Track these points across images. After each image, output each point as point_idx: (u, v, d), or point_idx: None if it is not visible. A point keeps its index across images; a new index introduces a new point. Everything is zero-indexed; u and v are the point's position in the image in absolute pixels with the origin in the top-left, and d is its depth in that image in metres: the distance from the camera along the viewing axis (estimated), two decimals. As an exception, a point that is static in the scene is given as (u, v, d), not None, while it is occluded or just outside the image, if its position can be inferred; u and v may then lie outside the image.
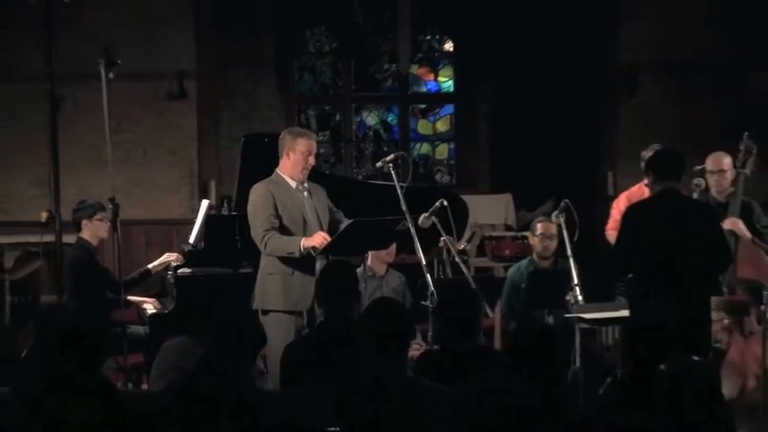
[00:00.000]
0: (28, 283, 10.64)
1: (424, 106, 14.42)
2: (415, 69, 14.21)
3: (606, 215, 8.48)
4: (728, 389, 6.64)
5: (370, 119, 14.36)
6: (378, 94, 14.34)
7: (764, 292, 6.90)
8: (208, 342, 5.30)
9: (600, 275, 7.28)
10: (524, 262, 8.21)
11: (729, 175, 7.57)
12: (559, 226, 7.50)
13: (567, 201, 7.47)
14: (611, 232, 8.23)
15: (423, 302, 6.54)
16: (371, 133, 14.38)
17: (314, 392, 4.89)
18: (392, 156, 7.14)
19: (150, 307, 7.85)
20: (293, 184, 6.80)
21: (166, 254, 8.03)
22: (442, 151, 14.35)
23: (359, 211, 6.91)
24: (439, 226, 7.07)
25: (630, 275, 6.56)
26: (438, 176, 14.30)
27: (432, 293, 6.35)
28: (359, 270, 7.07)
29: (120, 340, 7.27)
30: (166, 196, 11.83)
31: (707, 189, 7.63)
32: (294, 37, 13.80)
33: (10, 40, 11.25)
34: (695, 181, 7.56)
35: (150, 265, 7.96)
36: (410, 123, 14.26)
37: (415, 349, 6.74)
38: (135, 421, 4.21)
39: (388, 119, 14.33)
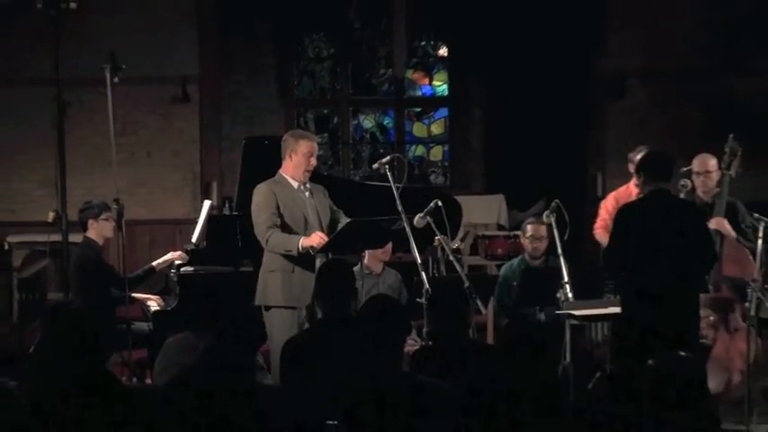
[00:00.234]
0: (35, 280, 10.66)
1: (419, 110, 14.42)
2: (410, 74, 14.22)
3: (595, 215, 8.47)
4: (714, 383, 6.64)
5: (367, 122, 14.36)
6: (374, 97, 14.34)
7: (749, 290, 6.90)
8: (209, 338, 5.29)
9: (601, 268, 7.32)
10: (516, 260, 8.20)
11: (715, 177, 7.56)
12: (550, 225, 7.50)
13: (557, 201, 7.48)
14: (599, 231, 8.24)
15: (418, 299, 6.54)
16: (368, 136, 14.38)
17: (313, 386, 4.88)
18: (388, 157, 7.14)
19: (154, 304, 7.84)
20: (295, 184, 6.80)
21: (170, 253, 8.02)
22: (437, 153, 14.35)
23: (356, 212, 6.91)
24: (433, 225, 7.06)
25: (623, 272, 6.54)
26: (432, 178, 14.30)
27: (426, 291, 6.35)
28: (356, 268, 7.06)
29: (124, 336, 7.28)
30: (170, 197, 11.83)
31: (693, 190, 7.62)
32: (293, 43, 13.81)
33: (19, 47, 11.25)
34: (682, 182, 7.54)
35: (154, 263, 7.95)
36: (405, 126, 14.26)
37: (411, 345, 6.74)
38: (138, 415, 4.20)
39: (385, 122, 14.33)
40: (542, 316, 7.45)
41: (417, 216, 6.98)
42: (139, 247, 10.94)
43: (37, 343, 5.85)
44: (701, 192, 7.61)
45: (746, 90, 11.69)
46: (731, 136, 7.63)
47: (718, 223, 7.38)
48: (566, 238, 7.37)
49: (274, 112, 13.42)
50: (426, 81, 14.31)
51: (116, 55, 7.52)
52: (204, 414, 3.89)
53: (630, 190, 8.16)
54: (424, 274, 6.49)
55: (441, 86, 14.26)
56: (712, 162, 7.58)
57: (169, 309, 7.70)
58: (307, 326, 6.50)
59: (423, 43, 14.25)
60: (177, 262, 7.87)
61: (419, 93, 14.40)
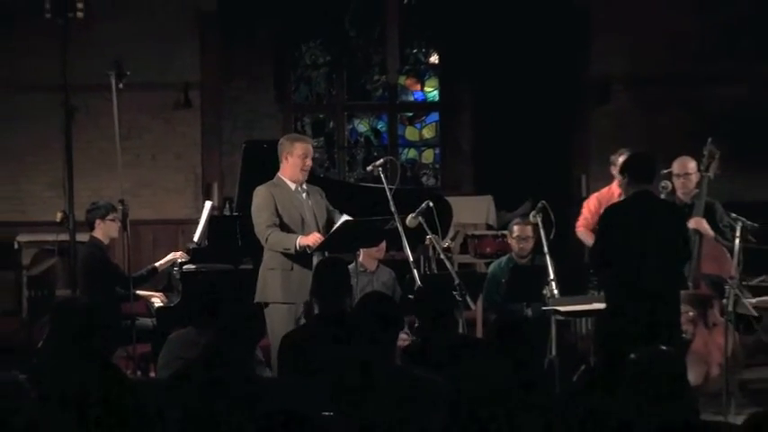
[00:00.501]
0: (44, 278, 10.65)
1: (411, 114, 14.42)
2: (402, 80, 14.22)
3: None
4: (693, 376, 6.65)
5: (362, 126, 14.36)
6: (368, 103, 14.34)
7: (726, 287, 6.91)
8: (211, 333, 5.29)
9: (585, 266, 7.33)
10: (504, 259, 8.20)
11: (694, 178, 7.57)
12: (536, 225, 7.51)
13: (543, 202, 7.49)
14: (581, 228, 8.28)
15: (410, 296, 6.54)
16: (363, 139, 14.37)
17: (309, 379, 4.88)
18: (382, 160, 7.17)
19: (158, 301, 7.84)
20: (293, 186, 6.81)
21: (171, 253, 8.01)
22: (428, 156, 14.34)
23: (351, 212, 6.90)
24: (425, 225, 7.07)
25: (608, 269, 6.55)
26: (424, 179, 14.29)
27: (418, 288, 6.35)
28: (351, 266, 7.05)
29: (129, 331, 7.28)
30: (172, 198, 11.82)
31: (673, 191, 7.64)
32: (291, 51, 13.81)
33: (28, 54, 11.22)
34: (662, 183, 7.55)
35: (157, 264, 7.94)
36: (398, 130, 14.25)
37: (403, 340, 6.74)
38: (142, 406, 4.20)
39: (378, 126, 14.33)
40: (529, 312, 7.46)
41: (410, 216, 6.98)
42: (144, 247, 10.92)
43: (45, 338, 5.85)
44: (681, 193, 7.62)
45: (724, 96, 11.71)
46: (709, 139, 7.65)
47: (697, 223, 7.39)
48: (552, 237, 7.38)
49: (273, 117, 13.42)
50: (418, 87, 14.31)
51: (121, 62, 7.53)
52: (205, 405, 3.90)
53: (612, 191, 8.18)
54: (416, 271, 6.50)
55: (432, 92, 14.26)
56: (691, 164, 7.60)
57: (172, 305, 7.70)
58: (303, 321, 6.50)
59: (414, 51, 14.25)
60: (180, 260, 7.87)
61: (411, 98, 14.40)
